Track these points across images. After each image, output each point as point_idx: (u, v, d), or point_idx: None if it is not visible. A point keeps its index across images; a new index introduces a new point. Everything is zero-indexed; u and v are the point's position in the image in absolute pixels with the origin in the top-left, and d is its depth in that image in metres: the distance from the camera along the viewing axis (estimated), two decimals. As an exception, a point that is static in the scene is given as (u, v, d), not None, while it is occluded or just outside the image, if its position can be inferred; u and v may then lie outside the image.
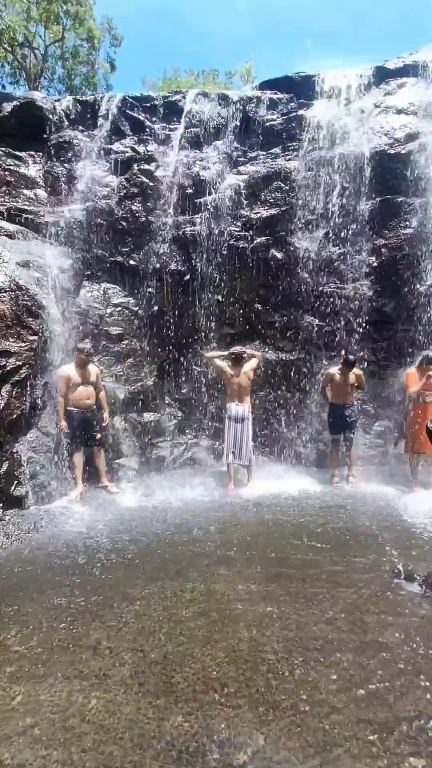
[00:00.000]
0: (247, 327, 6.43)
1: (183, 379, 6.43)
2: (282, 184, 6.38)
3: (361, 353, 6.10)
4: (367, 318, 6.14)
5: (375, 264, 6.13)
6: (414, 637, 2.45)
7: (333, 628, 2.54)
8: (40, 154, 6.61)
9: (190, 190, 6.43)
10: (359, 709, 1.95)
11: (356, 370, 5.61)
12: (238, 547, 3.73)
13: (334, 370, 5.65)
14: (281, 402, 6.37)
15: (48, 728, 1.89)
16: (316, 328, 6.25)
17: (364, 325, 6.14)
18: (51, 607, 2.83)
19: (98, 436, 5.20)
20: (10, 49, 16.29)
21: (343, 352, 5.97)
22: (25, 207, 6.19)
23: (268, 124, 6.63)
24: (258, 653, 2.33)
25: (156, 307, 6.30)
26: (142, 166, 6.48)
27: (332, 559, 3.45)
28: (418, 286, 5.94)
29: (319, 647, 2.37)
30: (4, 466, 4.44)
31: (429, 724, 1.86)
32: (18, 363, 4.71)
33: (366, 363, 6.08)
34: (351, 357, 5.56)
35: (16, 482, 4.51)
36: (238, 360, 5.58)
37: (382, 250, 6.11)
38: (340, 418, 5.64)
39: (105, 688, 2.12)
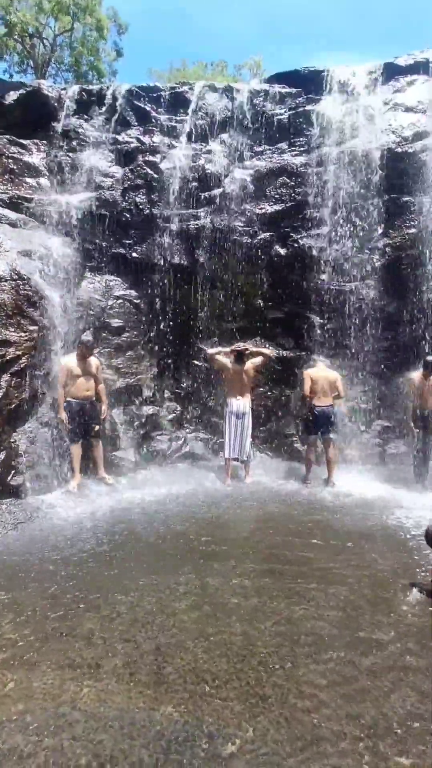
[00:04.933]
0: (249, 323, 6.42)
1: (183, 373, 6.43)
2: (288, 180, 6.34)
3: (364, 352, 6.11)
4: (370, 317, 6.12)
5: (379, 263, 6.11)
6: (405, 635, 2.47)
7: (324, 624, 2.56)
8: (45, 142, 6.56)
9: (194, 184, 6.39)
10: (348, 705, 1.97)
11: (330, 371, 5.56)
12: (233, 542, 3.75)
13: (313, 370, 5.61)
14: (281, 399, 6.37)
15: (40, 715, 1.91)
16: (318, 326, 6.23)
17: (367, 324, 6.13)
18: (45, 597, 2.84)
19: (96, 427, 5.20)
20: (19, 39, 16.21)
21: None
22: (28, 195, 6.15)
23: (275, 118, 6.58)
24: (249, 647, 2.35)
25: (158, 301, 6.29)
26: (147, 158, 6.43)
27: (326, 556, 3.47)
28: (423, 286, 5.92)
29: (311, 643, 2.39)
30: (2, 456, 4.46)
31: (417, 723, 1.87)
32: (18, 353, 4.70)
33: (363, 362, 6.09)
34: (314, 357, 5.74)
35: (13, 472, 4.52)
36: (240, 357, 5.58)
37: (387, 249, 6.08)
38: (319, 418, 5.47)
39: (97, 677, 2.14)
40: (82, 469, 5.16)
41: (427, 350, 5.82)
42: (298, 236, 6.26)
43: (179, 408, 6.39)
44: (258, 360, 5.68)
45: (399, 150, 6.05)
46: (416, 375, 5.43)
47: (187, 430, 6.34)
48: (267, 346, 6.28)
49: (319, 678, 2.13)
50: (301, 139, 6.46)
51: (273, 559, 3.41)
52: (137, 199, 6.34)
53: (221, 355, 5.71)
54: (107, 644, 2.37)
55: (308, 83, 6.69)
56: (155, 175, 6.36)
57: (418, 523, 4.08)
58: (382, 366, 6.15)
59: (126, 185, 6.37)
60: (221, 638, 2.42)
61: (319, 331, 6.22)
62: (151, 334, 6.28)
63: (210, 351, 5.87)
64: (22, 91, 6.63)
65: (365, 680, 2.12)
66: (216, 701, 1.99)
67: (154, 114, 6.73)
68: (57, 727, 1.85)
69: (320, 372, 5.52)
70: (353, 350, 6.13)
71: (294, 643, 2.38)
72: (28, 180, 6.31)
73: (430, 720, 1.89)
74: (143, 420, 6.04)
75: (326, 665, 2.22)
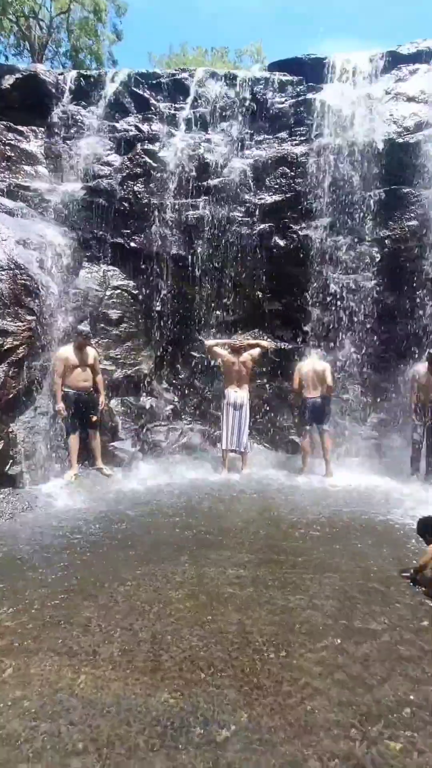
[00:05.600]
0: (247, 314, 6.40)
1: (181, 364, 6.42)
2: (288, 170, 6.28)
3: (362, 345, 6.11)
4: (368, 310, 6.11)
5: (378, 255, 6.08)
6: (398, 624, 2.50)
7: (319, 613, 2.59)
8: (42, 129, 6.48)
9: (194, 173, 6.32)
10: (341, 693, 2.00)
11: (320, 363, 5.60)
12: (229, 532, 3.77)
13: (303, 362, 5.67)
14: (278, 391, 6.38)
15: (37, 701, 1.94)
16: (316, 318, 6.22)
17: (365, 316, 6.11)
18: (43, 585, 2.87)
19: (94, 418, 5.20)
20: (14, 19, 15.83)
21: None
22: (25, 183, 6.08)
23: (276, 107, 6.50)
24: (245, 635, 2.38)
25: (156, 291, 6.25)
26: (146, 146, 6.35)
27: (322, 547, 3.50)
28: (422, 278, 5.90)
29: (305, 631, 2.42)
30: (0, 445, 4.46)
31: (407, 709, 1.91)
32: (15, 343, 4.68)
33: (366, 355, 6.09)
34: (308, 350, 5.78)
35: (11, 461, 4.53)
36: (238, 348, 5.58)
37: (387, 241, 6.04)
38: (309, 410, 5.54)
39: (94, 664, 2.17)
40: (80, 459, 5.18)
41: (426, 343, 5.82)
42: (298, 227, 6.22)
43: (177, 399, 6.40)
44: (255, 352, 5.69)
45: (400, 140, 5.98)
46: (421, 367, 5.41)
47: (185, 422, 6.35)
48: (265, 337, 6.27)
49: (314, 666, 2.16)
50: (302, 128, 6.39)
51: (268, 550, 3.44)
52: (136, 188, 6.27)
53: (219, 346, 5.71)
54: (104, 632, 2.40)
55: (310, 71, 6.61)
56: (154, 164, 6.29)
57: (413, 516, 4.11)
58: (380, 359, 6.15)
59: (124, 174, 6.30)
60: (217, 627, 2.45)
61: (317, 323, 6.21)
62: (149, 325, 6.26)
63: (208, 342, 5.86)
64: (18, 75, 6.53)
65: (359, 668, 2.15)
66: (211, 688, 2.02)
67: (153, 101, 6.64)
68: (54, 712, 1.88)
69: (309, 365, 5.55)
70: (351, 342, 6.12)
71: (289, 632, 2.41)
72: (26, 168, 6.24)
73: (420, 706, 1.93)
74: (141, 411, 6.04)
75: (320, 654, 2.25)
